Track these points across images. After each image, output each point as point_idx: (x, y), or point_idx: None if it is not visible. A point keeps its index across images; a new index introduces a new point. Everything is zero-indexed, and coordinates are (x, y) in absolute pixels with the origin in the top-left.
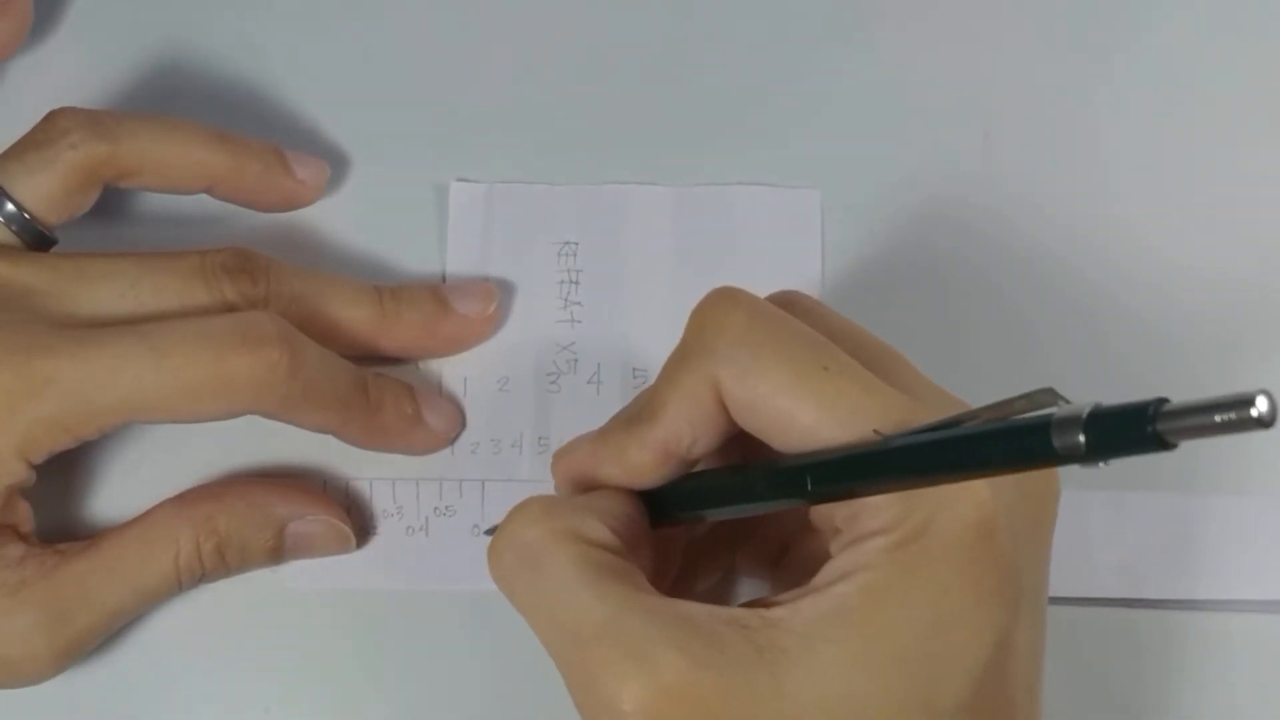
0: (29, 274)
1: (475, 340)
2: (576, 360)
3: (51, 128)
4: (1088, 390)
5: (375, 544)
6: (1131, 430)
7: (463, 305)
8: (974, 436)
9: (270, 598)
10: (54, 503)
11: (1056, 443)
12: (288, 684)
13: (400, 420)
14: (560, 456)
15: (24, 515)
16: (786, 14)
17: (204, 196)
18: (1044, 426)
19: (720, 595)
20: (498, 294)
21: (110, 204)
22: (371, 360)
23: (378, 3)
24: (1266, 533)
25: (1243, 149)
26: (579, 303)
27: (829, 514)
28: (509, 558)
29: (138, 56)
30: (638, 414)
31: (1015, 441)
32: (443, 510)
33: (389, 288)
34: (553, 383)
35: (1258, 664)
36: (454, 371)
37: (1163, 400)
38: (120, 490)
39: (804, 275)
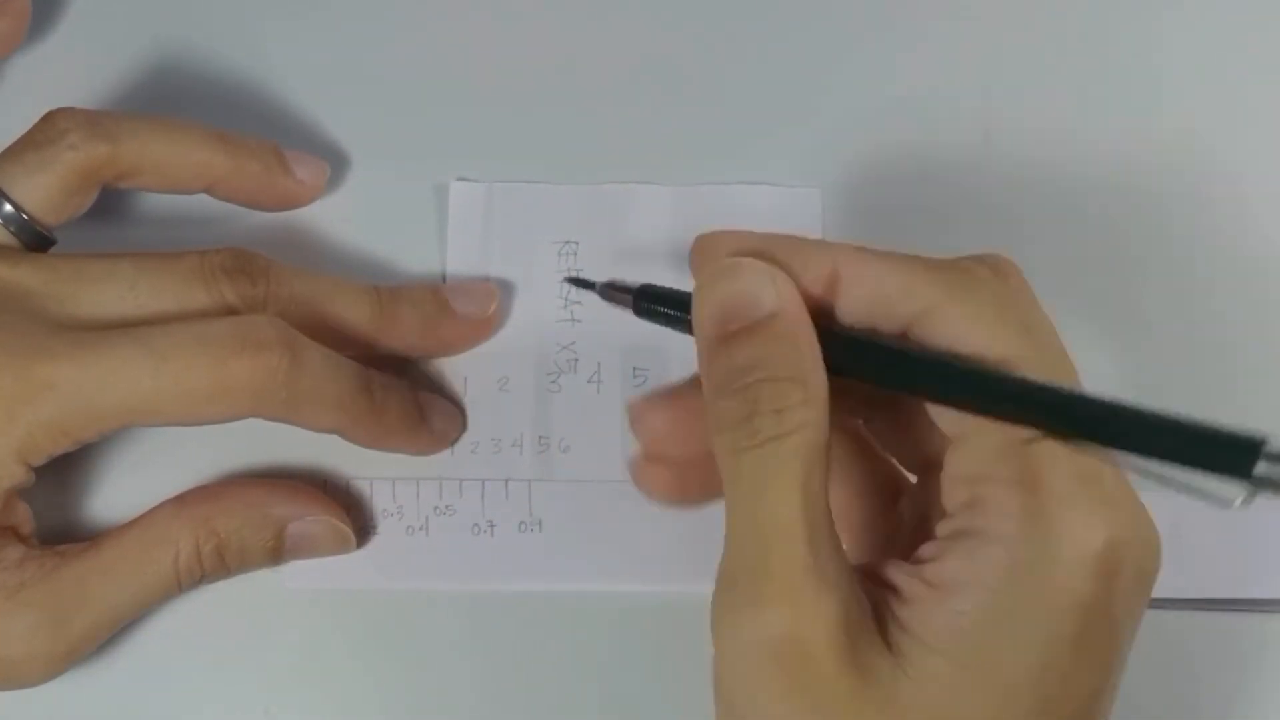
0: (28, 275)
1: (475, 341)
2: (577, 360)
3: (50, 128)
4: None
5: (375, 544)
6: None
7: (463, 306)
8: (1180, 425)
9: (270, 598)
10: (54, 504)
11: (1261, 468)
12: (288, 684)
13: (404, 422)
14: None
15: (24, 517)
16: (786, 14)
17: (203, 196)
18: (1254, 444)
19: None
20: (498, 294)
21: (109, 204)
22: (371, 360)
23: (378, 3)
24: (1266, 533)
25: (1243, 148)
26: (579, 302)
27: (952, 484)
28: (760, 436)
29: (137, 56)
30: (854, 249)
31: (1219, 446)
32: (443, 510)
33: (389, 288)
34: (553, 382)
35: (1258, 664)
36: (454, 371)
37: None
38: (120, 491)
39: None
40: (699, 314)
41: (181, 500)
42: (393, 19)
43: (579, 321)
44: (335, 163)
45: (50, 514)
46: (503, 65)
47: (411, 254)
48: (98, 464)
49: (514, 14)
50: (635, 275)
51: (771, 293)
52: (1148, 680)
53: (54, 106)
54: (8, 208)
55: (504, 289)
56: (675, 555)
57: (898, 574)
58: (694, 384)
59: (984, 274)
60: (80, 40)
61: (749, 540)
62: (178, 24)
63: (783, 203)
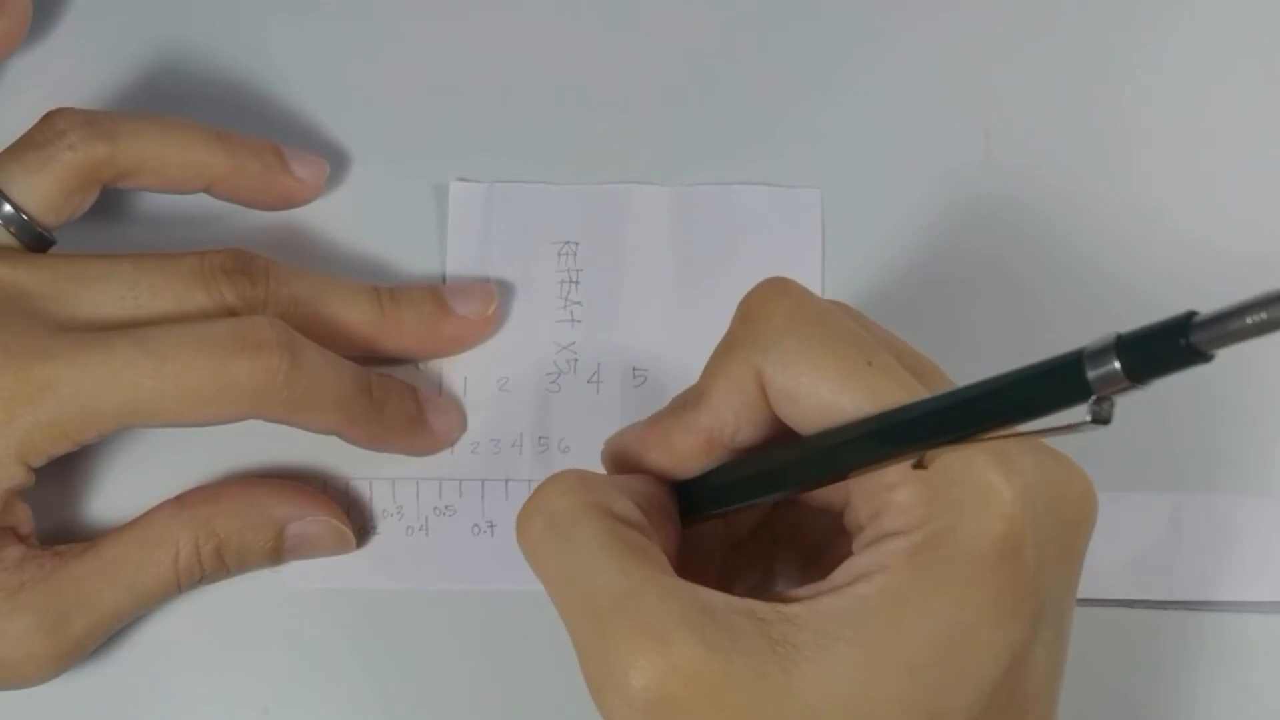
0: (27, 275)
1: (475, 341)
2: (576, 360)
3: (49, 128)
4: None
5: (375, 544)
6: (1166, 346)
7: (462, 306)
8: (1009, 383)
9: (270, 598)
10: (54, 505)
11: (1091, 373)
12: (287, 684)
13: (404, 422)
14: (610, 441)
15: (23, 517)
16: (786, 14)
17: (203, 196)
18: (1076, 360)
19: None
20: (497, 294)
21: (109, 204)
22: (371, 361)
23: (378, 3)
24: (1266, 533)
25: (1243, 148)
26: (579, 302)
27: (856, 512)
28: (538, 523)
29: (136, 56)
30: (684, 401)
31: (1050, 381)
32: (442, 510)
33: (388, 288)
34: (553, 382)
35: (1259, 664)
36: (454, 371)
37: (1192, 313)
38: (120, 492)
39: (804, 275)
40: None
41: (180, 501)
42: (392, 19)
43: (579, 321)
44: (335, 162)
45: (50, 514)
46: (503, 65)
47: (411, 254)
48: (98, 464)
49: (514, 14)
50: (635, 275)
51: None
52: (1148, 680)
53: (53, 106)
54: (7, 208)
55: (504, 289)
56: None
57: (801, 589)
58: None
59: (760, 322)
60: (79, 40)
61: (579, 629)
62: (177, 24)
63: (783, 203)
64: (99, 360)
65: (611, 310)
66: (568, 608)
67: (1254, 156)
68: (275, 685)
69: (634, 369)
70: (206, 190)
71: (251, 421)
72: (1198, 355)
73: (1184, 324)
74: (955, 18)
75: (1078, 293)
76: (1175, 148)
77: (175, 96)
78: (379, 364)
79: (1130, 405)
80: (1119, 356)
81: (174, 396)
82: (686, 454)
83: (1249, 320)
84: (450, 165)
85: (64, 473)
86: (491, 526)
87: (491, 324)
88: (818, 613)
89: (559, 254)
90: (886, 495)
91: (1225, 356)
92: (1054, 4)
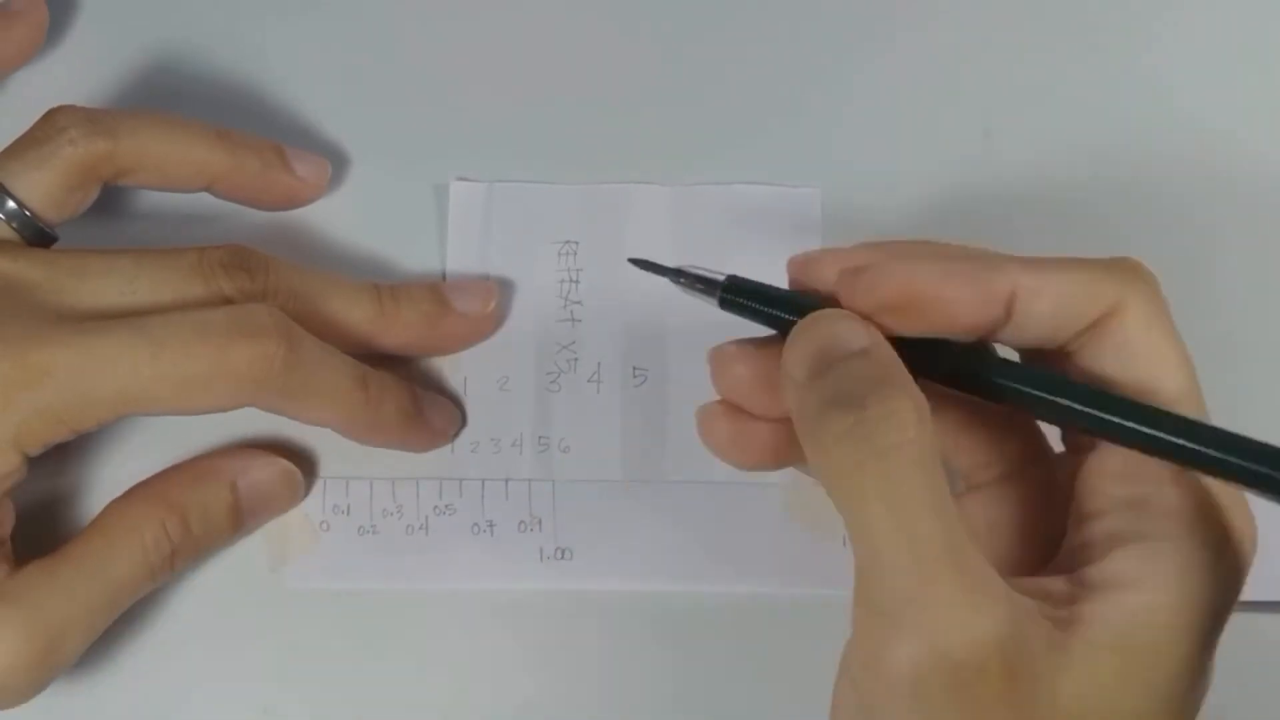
0: (28, 269)
1: (475, 338)
2: (577, 359)
3: (51, 125)
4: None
5: (375, 544)
6: None
7: (462, 303)
8: None
9: (270, 598)
10: (50, 510)
11: None
12: (287, 684)
13: (400, 416)
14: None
15: (7, 518)
16: (786, 14)
17: (204, 195)
18: None
19: None
20: (497, 292)
21: (110, 202)
22: (371, 359)
23: (378, 3)
24: (1266, 533)
25: (1243, 148)
26: (579, 302)
27: (1106, 470)
28: (858, 452)
29: (138, 55)
30: (1017, 259)
31: None
32: (443, 509)
33: (388, 286)
34: (553, 382)
35: (1259, 664)
36: (454, 370)
37: None
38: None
39: None
40: (789, 359)
41: (129, 492)
42: (393, 19)
43: (579, 321)
44: (335, 162)
45: (46, 519)
46: (502, 65)
47: (411, 254)
48: (95, 466)
49: (514, 14)
50: (635, 275)
51: (863, 334)
52: None
53: (55, 105)
54: (10, 204)
55: (504, 288)
56: (674, 555)
57: (1049, 581)
58: (781, 341)
59: (1149, 277)
60: (82, 39)
61: (894, 564)
62: (179, 23)
63: (783, 203)
64: (97, 346)
65: (612, 310)
66: (887, 537)
67: (1254, 157)
68: (275, 685)
69: (634, 368)
70: (208, 189)
71: (248, 421)
72: None
73: None
74: (955, 18)
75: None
76: (1176, 147)
77: (177, 96)
78: (378, 363)
79: None
80: None
81: (172, 382)
82: (978, 315)
83: None
84: (450, 165)
85: (62, 476)
86: (491, 526)
87: (491, 321)
88: (1091, 620)
89: (559, 253)
90: (1149, 486)
91: (1226, 357)
92: (1054, 4)
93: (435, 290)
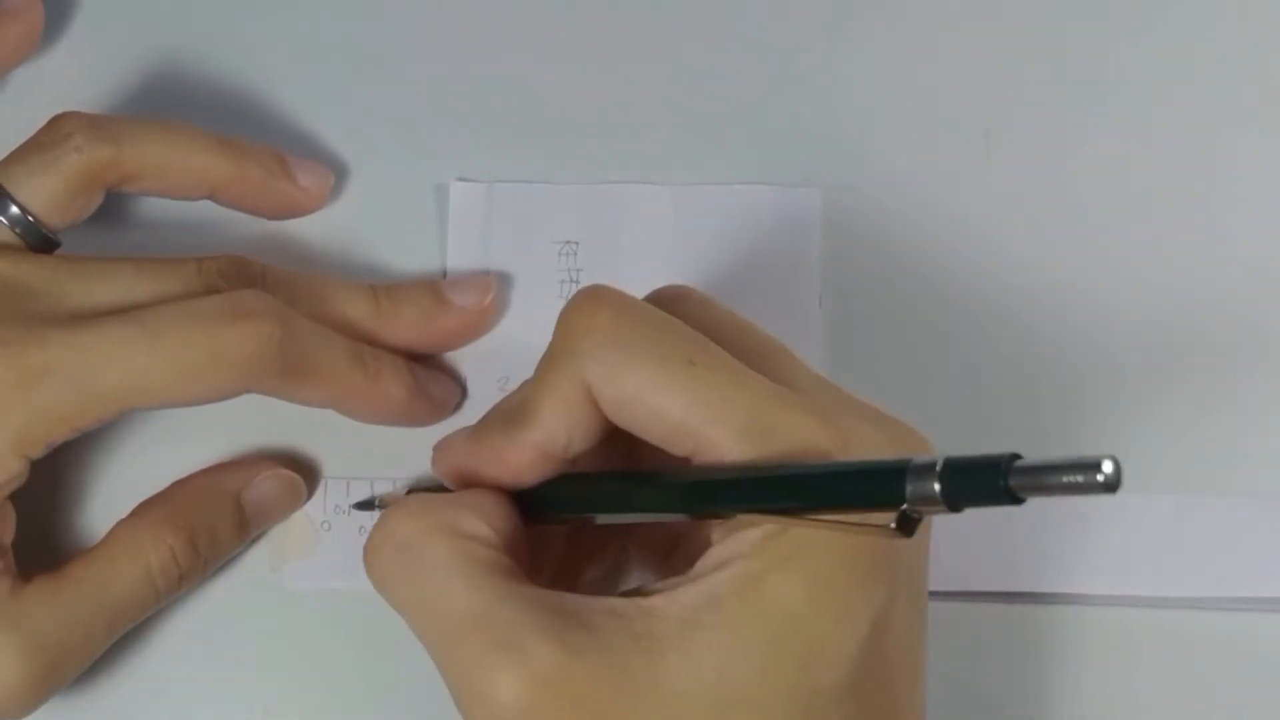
0: (30, 273)
1: (474, 334)
2: None
3: (56, 131)
4: (1089, 384)
5: None
6: (985, 482)
7: (460, 298)
8: (832, 473)
9: (270, 598)
10: (43, 515)
11: (910, 487)
12: (288, 684)
13: (400, 390)
14: (439, 451)
15: (8, 525)
16: (786, 13)
17: (207, 202)
18: (900, 471)
19: (609, 587)
20: (495, 285)
21: (113, 208)
22: None
23: (379, 4)
24: (1266, 532)
25: (1243, 148)
26: None
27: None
28: (386, 553)
29: (140, 62)
30: (513, 416)
31: (870, 482)
32: None
33: (385, 286)
34: None
35: (1258, 664)
36: (454, 370)
37: (1015, 456)
38: (106, 508)
39: (804, 275)
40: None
41: (135, 514)
42: (393, 20)
43: None
44: (335, 163)
45: (42, 525)
46: (502, 65)
47: (411, 254)
48: (96, 469)
49: (514, 14)
50: (635, 275)
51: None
52: (1147, 680)
53: (60, 111)
54: (14, 209)
55: (504, 288)
56: None
57: (661, 583)
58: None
59: (582, 336)
60: (85, 45)
61: (436, 649)
62: (180, 29)
63: (783, 203)
64: (94, 340)
65: None
66: (425, 632)
67: (1254, 156)
68: (275, 685)
69: None
70: (210, 197)
71: (248, 423)
72: (1011, 498)
73: (1005, 466)
74: (955, 18)
75: (1077, 292)
76: (1176, 147)
77: (177, 101)
78: None
79: (1131, 406)
80: (940, 480)
81: (170, 370)
82: (521, 469)
83: (1064, 479)
84: (450, 165)
85: (58, 481)
86: None
87: (489, 315)
88: (678, 603)
89: (559, 253)
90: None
91: (1225, 357)
92: (1054, 5)
93: (432, 287)
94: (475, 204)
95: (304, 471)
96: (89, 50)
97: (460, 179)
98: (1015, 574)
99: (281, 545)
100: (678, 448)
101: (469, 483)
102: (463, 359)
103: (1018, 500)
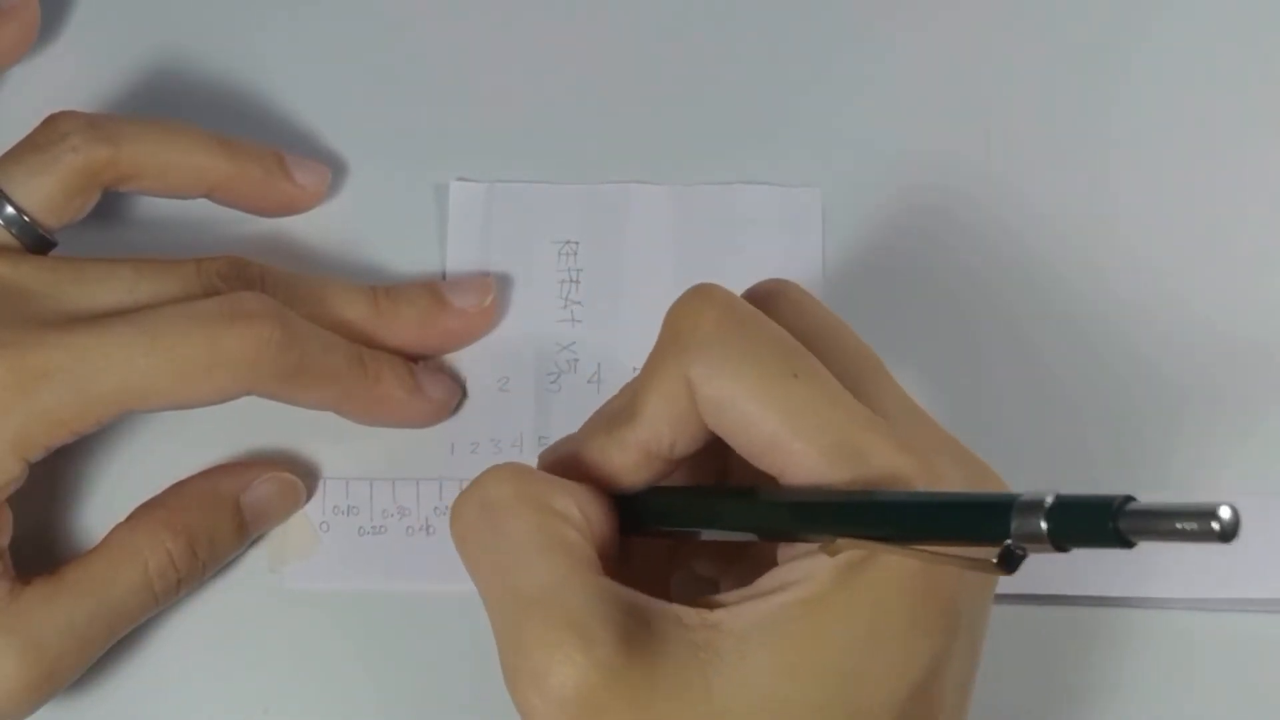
0: (27, 275)
1: (474, 335)
2: (577, 360)
3: (52, 131)
4: (1089, 385)
5: (376, 544)
6: (1093, 525)
7: (459, 299)
8: (937, 504)
9: (270, 598)
10: (40, 518)
11: (1015, 524)
12: (288, 684)
13: (400, 391)
14: (545, 455)
15: (5, 525)
16: (787, 14)
17: (204, 200)
18: (1006, 506)
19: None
20: (495, 287)
21: (109, 208)
22: None
23: (379, 4)
24: (1265, 532)
25: (1245, 148)
26: (579, 302)
27: None
28: (471, 512)
29: (138, 61)
30: (618, 414)
31: (974, 516)
32: (443, 510)
33: (384, 287)
34: (553, 382)
35: (1258, 663)
36: (454, 370)
37: (1129, 498)
38: (105, 511)
39: (804, 275)
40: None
41: (133, 517)
42: (393, 20)
43: (579, 321)
44: (335, 164)
45: (41, 528)
46: (502, 65)
47: (411, 254)
48: (96, 470)
49: (513, 14)
50: (635, 275)
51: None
52: (1147, 679)
53: (56, 110)
54: (9, 209)
55: (504, 288)
56: None
57: (726, 595)
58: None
59: (699, 334)
60: (82, 45)
61: (499, 621)
62: (178, 28)
63: (783, 203)
64: (93, 342)
65: (612, 310)
66: (492, 597)
67: (1254, 155)
68: (275, 685)
69: (634, 369)
70: (208, 196)
71: (246, 421)
72: (1121, 541)
73: (1117, 508)
74: (955, 18)
75: (1079, 292)
76: (1176, 147)
77: (175, 100)
78: None
79: (1132, 405)
80: (1048, 518)
81: (170, 372)
82: (625, 469)
83: (1178, 525)
84: (450, 165)
85: (52, 484)
86: None
87: (489, 317)
88: (740, 619)
89: (559, 253)
90: None
91: (1226, 357)
92: (1054, 5)
93: (432, 288)
94: (475, 204)
95: (303, 472)
96: (85, 49)
97: (460, 179)
98: (1014, 576)
99: (281, 546)
100: (763, 460)
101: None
102: (463, 359)
103: (1128, 544)
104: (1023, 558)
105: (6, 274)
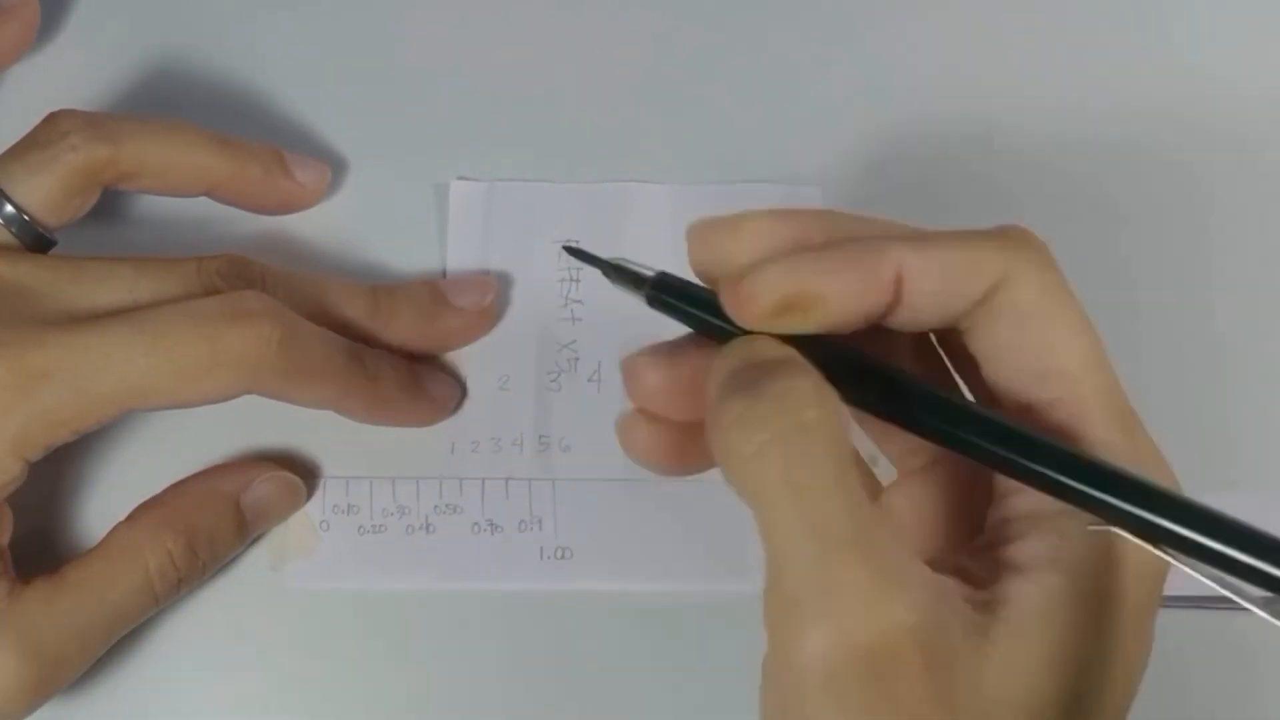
0: (27, 274)
1: (474, 334)
2: (577, 358)
3: (52, 129)
4: None
5: (376, 543)
6: None
7: (460, 298)
8: (1250, 536)
9: (270, 598)
10: (39, 518)
11: None
12: (288, 684)
13: (400, 389)
14: (768, 268)
15: (5, 524)
16: (786, 13)
17: (204, 199)
18: None
19: None
20: (495, 286)
21: (109, 206)
22: None
23: (379, 4)
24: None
25: (1247, 148)
26: (580, 301)
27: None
28: (774, 427)
29: (138, 60)
30: (864, 244)
31: (1263, 550)
32: (443, 509)
33: (384, 286)
34: (553, 381)
35: (1258, 663)
36: (454, 369)
37: None
38: (105, 511)
39: None
40: (712, 384)
41: (133, 517)
42: (393, 19)
43: (579, 320)
44: (335, 163)
45: (41, 528)
46: (502, 64)
47: (411, 253)
48: (96, 471)
49: (513, 13)
50: None
51: (778, 348)
52: (1151, 679)
53: (56, 108)
54: (9, 208)
55: (504, 287)
56: (675, 554)
57: (968, 560)
58: (694, 341)
59: (1037, 244)
60: (82, 43)
61: (798, 553)
62: (178, 27)
63: (783, 202)
64: (94, 342)
65: (612, 309)
66: (787, 524)
67: (1254, 154)
68: (275, 685)
69: None
70: (208, 194)
71: (246, 420)
72: None
73: None
74: (956, 17)
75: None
76: (1177, 147)
77: (175, 100)
78: None
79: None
80: None
81: (170, 371)
82: (881, 292)
83: None
84: (450, 165)
85: (53, 484)
86: (492, 525)
87: (490, 316)
88: (1016, 607)
89: (559, 253)
90: None
91: (1225, 356)
92: (1054, 4)
93: (432, 287)
94: (475, 203)
95: (303, 471)
96: (85, 48)
97: (460, 178)
98: None
99: (281, 545)
100: (1037, 388)
101: (802, 306)
102: (463, 359)
103: None
104: None
105: (6, 273)
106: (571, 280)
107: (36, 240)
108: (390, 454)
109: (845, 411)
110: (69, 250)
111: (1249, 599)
